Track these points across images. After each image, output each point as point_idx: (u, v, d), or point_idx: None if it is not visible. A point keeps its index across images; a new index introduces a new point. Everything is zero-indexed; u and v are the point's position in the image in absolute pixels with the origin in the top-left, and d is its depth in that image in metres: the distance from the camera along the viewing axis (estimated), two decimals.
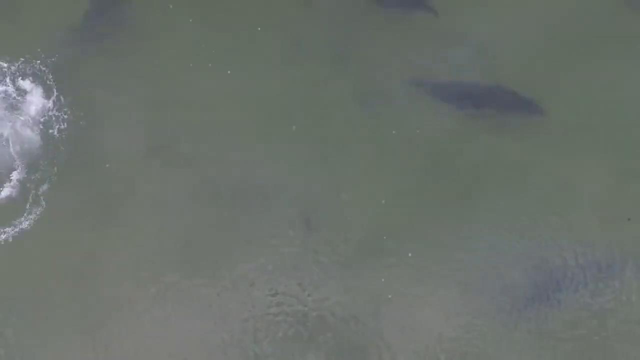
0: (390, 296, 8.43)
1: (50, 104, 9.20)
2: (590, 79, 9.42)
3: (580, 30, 9.73)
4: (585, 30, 9.72)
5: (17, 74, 9.30)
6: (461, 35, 9.69)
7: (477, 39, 9.63)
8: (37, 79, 9.29)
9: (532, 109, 9.22)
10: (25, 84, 9.25)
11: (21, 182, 8.85)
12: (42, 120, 9.12)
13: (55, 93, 9.24)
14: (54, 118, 9.14)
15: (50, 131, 9.08)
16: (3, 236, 8.62)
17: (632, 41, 9.67)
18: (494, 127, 9.15)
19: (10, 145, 9.01)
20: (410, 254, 8.60)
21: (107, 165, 8.94)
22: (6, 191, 8.82)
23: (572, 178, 8.93)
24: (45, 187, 8.84)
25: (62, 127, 9.10)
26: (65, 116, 9.13)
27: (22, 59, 9.38)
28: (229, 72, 9.21)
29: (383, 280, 8.48)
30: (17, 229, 8.66)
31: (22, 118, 9.11)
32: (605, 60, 9.54)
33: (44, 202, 8.77)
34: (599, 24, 9.78)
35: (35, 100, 9.20)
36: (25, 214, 8.71)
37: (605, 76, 9.43)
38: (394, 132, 9.12)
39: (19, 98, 9.22)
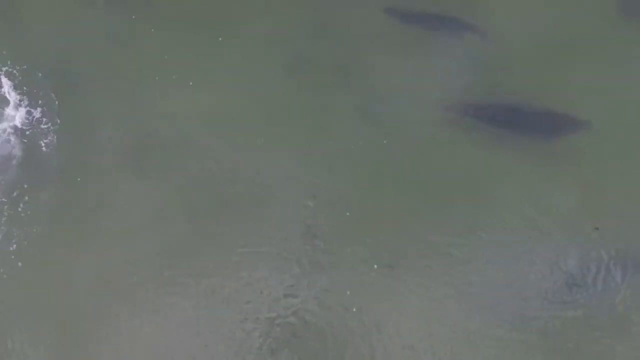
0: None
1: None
2: (574, 88, 9.29)
3: (571, 40, 9.55)
4: (577, 40, 9.54)
5: None
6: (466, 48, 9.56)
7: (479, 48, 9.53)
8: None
9: (581, 129, 9.04)
10: None
11: None
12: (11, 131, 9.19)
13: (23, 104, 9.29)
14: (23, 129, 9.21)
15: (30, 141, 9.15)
16: None
17: (625, 49, 9.45)
18: (481, 138, 9.04)
19: None
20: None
21: (78, 179, 8.93)
22: None
23: (545, 187, 8.85)
24: (21, 200, 8.86)
25: (34, 139, 9.13)
26: (33, 129, 9.16)
27: None
28: (190, 83, 9.18)
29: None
30: None
31: None
32: (593, 70, 9.34)
33: (21, 215, 8.83)
34: (591, 33, 9.58)
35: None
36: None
37: (589, 86, 9.28)
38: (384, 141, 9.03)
39: None
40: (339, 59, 9.53)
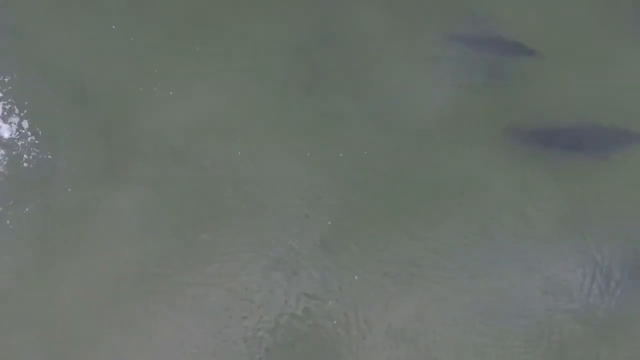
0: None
1: None
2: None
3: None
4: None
5: None
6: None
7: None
8: None
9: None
10: None
11: None
12: None
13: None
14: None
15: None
16: None
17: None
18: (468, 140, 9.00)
19: None
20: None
21: (69, 190, 8.74)
22: None
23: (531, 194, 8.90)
24: (6, 215, 8.67)
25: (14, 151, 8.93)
26: (21, 141, 8.96)
27: None
28: (170, 93, 9.06)
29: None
30: None
31: None
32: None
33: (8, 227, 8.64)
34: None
35: None
36: None
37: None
38: (365, 152, 8.90)
39: None
40: (348, 64, 9.46)
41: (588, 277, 8.58)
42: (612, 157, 9.05)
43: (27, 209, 8.68)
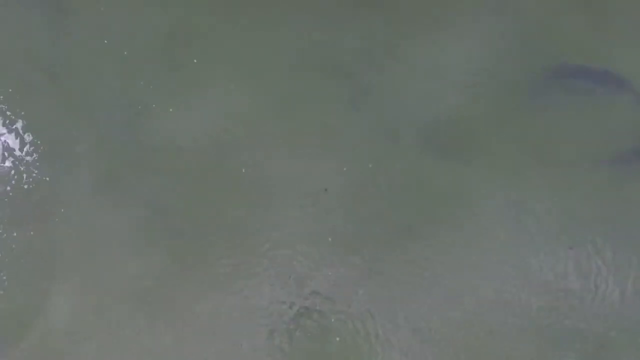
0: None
1: None
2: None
3: None
4: None
5: None
6: None
7: None
8: None
9: None
10: None
11: None
12: None
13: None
14: None
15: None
16: None
17: None
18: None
19: None
20: None
21: (62, 210, 8.48)
22: None
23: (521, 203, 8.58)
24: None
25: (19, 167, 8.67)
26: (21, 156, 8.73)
27: None
28: (170, 109, 8.77)
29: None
30: None
31: None
32: None
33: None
34: None
35: None
36: None
37: None
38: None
39: None
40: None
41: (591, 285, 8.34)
42: None
43: (31, 232, 8.50)
